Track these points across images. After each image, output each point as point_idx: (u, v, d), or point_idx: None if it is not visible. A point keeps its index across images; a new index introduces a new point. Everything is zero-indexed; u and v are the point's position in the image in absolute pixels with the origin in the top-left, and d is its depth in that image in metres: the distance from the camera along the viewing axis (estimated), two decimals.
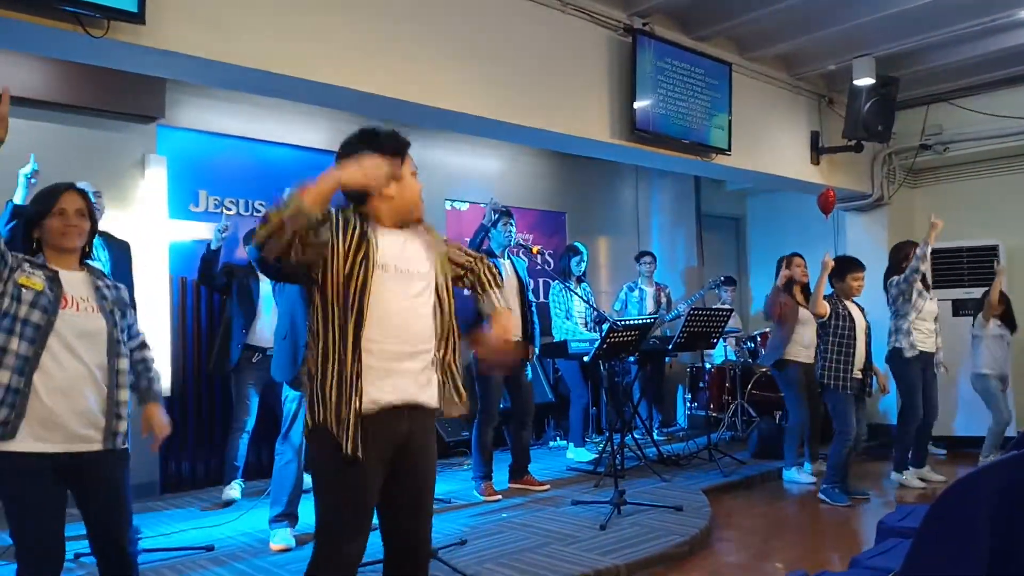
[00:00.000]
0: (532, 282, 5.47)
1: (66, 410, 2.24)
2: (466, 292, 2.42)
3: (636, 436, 5.97)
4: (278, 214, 1.86)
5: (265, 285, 4.75)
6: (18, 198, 3.64)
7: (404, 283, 2.09)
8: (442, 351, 2.17)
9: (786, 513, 4.95)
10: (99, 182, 4.54)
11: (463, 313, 2.48)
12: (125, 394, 2.40)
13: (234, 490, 4.82)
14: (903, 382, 5.40)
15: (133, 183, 5.14)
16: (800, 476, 5.51)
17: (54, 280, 2.32)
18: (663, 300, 7.12)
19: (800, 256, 5.69)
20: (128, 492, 2.44)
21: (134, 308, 2.61)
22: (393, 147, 2.13)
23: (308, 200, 1.87)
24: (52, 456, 2.22)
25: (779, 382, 5.73)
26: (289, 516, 3.84)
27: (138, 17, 3.13)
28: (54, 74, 4.72)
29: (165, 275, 5.16)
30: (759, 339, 7.11)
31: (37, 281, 2.27)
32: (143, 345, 2.59)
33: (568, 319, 6.13)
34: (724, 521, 4.58)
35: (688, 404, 7.33)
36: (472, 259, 2.35)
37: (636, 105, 5.15)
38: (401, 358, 2.06)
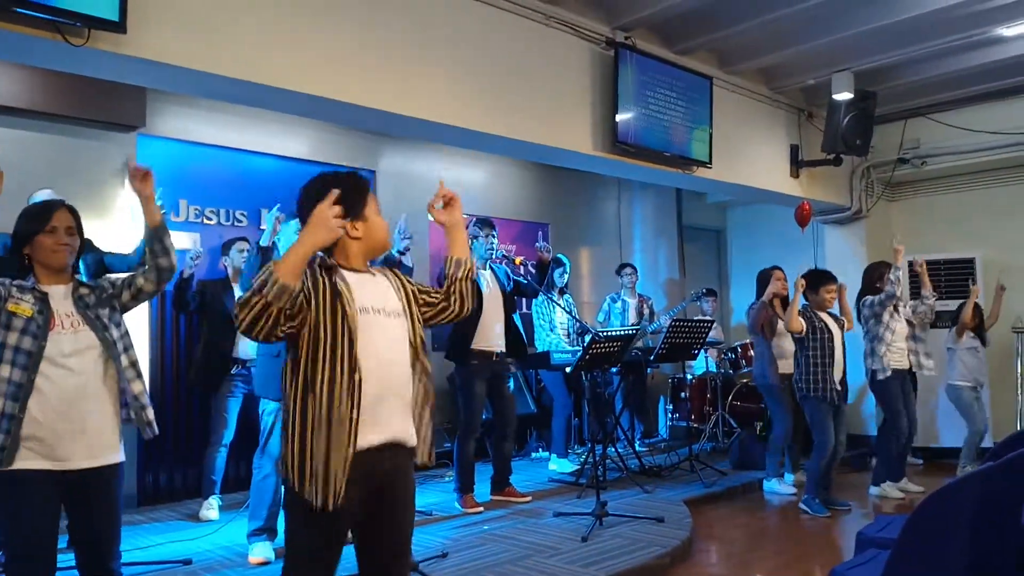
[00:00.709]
0: (523, 302, 5.47)
1: (66, 430, 2.28)
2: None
3: (618, 447, 5.98)
4: (260, 297, 1.85)
5: None
6: None
7: (382, 323, 2.08)
8: (418, 389, 2.15)
9: (767, 524, 4.97)
10: (79, 191, 4.52)
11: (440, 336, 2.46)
12: (139, 385, 2.44)
13: (212, 510, 4.75)
14: (884, 403, 5.46)
15: (113, 192, 5.11)
16: (781, 487, 5.54)
17: (44, 302, 2.34)
18: (645, 311, 7.15)
19: (780, 269, 5.75)
20: (119, 509, 2.44)
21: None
22: (356, 188, 2.13)
23: (286, 275, 1.87)
24: (50, 472, 2.25)
25: (763, 393, 5.77)
26: (268, 531, 3.80)
27: (119, 26, 3.11)
28: (33, 82, 4.67)
29: None
30: (740, 350, 7.15)
31: (26, 307, 2.29)
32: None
33: (552, 331, 6.14)
34: (706, 532, 4.59)
35: (669, 415, 7.35)
36: (440, 295, 2.30)
37: (618, 118, 5.18)
38: (383, 398, 2.04)
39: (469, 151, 6.45)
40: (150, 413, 2.48)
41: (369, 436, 2.00)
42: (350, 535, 2.08)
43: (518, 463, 5.84)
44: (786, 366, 5.44)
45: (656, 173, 5.83)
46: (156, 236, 2.54)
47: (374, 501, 2.04)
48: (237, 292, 4.74)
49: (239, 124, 5.68)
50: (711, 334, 6.33)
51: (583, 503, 4.85)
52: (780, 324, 5.49)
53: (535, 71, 4.84)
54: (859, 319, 5.49)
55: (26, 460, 2.23)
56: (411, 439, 2.12)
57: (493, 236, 5.12)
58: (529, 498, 5.07)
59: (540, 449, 6.89)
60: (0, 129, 4.63)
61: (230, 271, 5.02)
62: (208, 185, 5.69)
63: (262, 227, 5.80)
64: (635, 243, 8.56)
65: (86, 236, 3.92)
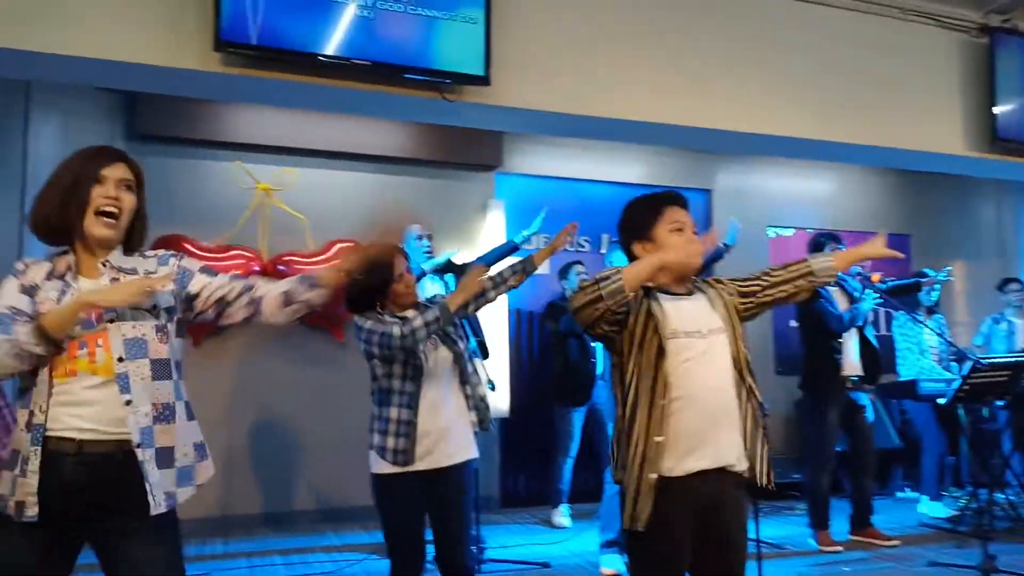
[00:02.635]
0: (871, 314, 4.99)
1: (435, 432, 2.58)
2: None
3: (1008, 493, 5.09)
4: (596, 288, 1.94)
5: None
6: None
7: (697, 346, 2.03)
8: (746, 410, 2.07)
9: None
10: (446, 225, 5.16)
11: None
12: (482, 389, 2.72)
13: (564, 517, 5.06)
14: None
15: (476, 226, 5.74)
16: None
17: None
18: None
19: None
20: (468, 509, 2.69)
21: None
22: (650, 207, 2.15)
23: (629, 280, 1.93)
24: (419, 473, 2.57)
25: None
26: (620, 544, 3.91)
27: (484, 80, 3.52)
28: (408, 135, 5.49)
29: (504, 307, 5.65)
30: None
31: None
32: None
33: (921, 355, 5.46)
34: None
35: None
36: (757, 279, 2.20)
37: (997, 111, 4.50)
38: (703, 422, 2.00)
39: (810, 162, 6.08)
40: (484, 413, 2.71)
41: (689, 462, 1.97)
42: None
43: (881, 502, 5.27)
44: None
45: None
46: (526, 274, 2.76)
47: (702, 526, 2.00)
48: None
49: (579, 156, 6.03)
50: None
51: (964, 554, 4.20)
52: None
53: (890, 70, 4.42)
54: None
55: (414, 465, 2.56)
56: (739, 464, 2.05)
57: (840, 251, 4.73)
58: (896, 542, 4.54)
59: (907, 489, 6.15)
60: (383, 176, 5.52)
61: (568, 293, 5.33)
62: (555, 214, 6.09)
63: (603, 251, 6.12)
64: (1022, 255, 7.29)
65: (450, 257, 4.51)
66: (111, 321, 1.72)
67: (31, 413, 1.68)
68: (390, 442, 2.58)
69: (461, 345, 2.74)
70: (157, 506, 1.70)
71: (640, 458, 1.96)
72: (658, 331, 2.00)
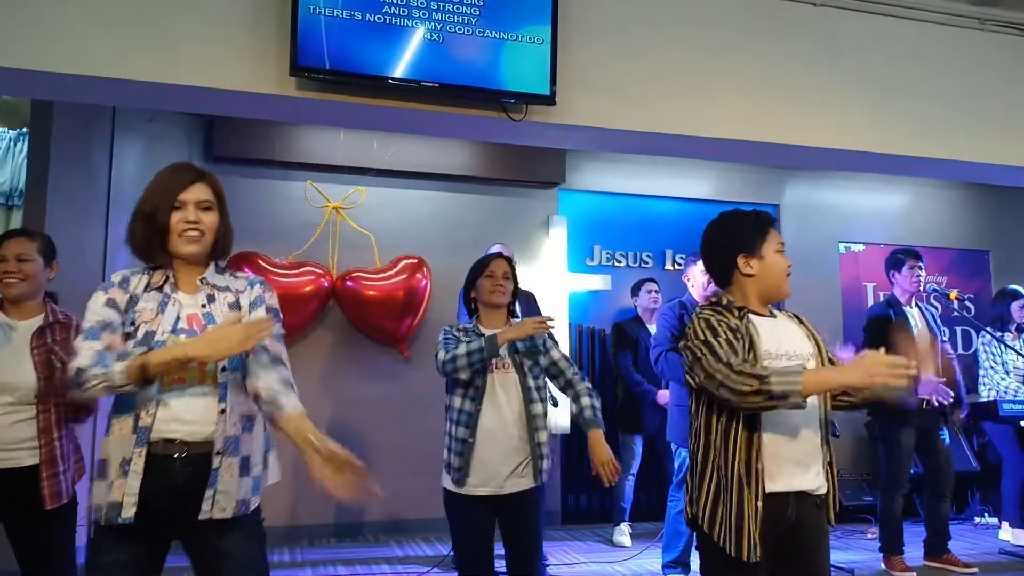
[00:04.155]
0: (947, 331, 4.82)
1: (494, 456, 2.60)
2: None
3: None
4: (760, 384, 1.80)
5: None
6: None
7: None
8: (822, 435, 2.03)
9: None
10: (510, 241, 5.20)
11: None
12: (543, 435, 2.69)
13: (625, 536, 5.01)
14: None
15: (539, 242, 5.78)
16: None
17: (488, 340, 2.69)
18: None
19: None
20: (537, 534, 2.70)
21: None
22: (755, 225, 2.10)
23: (809, 390, 1.82)
24: (484, 497, 2.60)
25: None
26: (683, 564, 3.87)
27: (550, 99, 3.56)
28: (472, 153, 5.59)
29: (565, 322, 5.66)
30: None
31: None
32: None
33: (1007, 375, 5.24)
34: None
35: None
36: None
37: None
38: (785, 446, 1.97)
39: (883, 176, 5.93)
40: (546, 463, 2.67)
41: (772, 485, 1.94)
42: None
43: (957, 527, 5.07)
44: None
45: None
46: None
47: (782, 552, 1.97)
48: (652, 329, 4.95)
49: (644, 172, 6.01)
50: None
51: None
52: None
53: (973, 81, 4.28)
54: None
55: (469, 488, 2.59)
56: (819, 488, 2.02)
57: (920, 268, 4.57)
58: (974, 569, 4.36)
59: (985, 514, 5.90)
60: (448, 193, 5.62)
61: (639, 310, 5.30)
62: (617, 231, 6.11)
63: (667, 267, 6.07)
64: None
65: (525, 289, 4.53)
66: None
67: (137, 416, 1.74)
68: (451, 459, 2.63)
69: (531, 381, 2.70)
70: (220, 511, 1.75)
71: (737, 487, 1.92)
72: (754, 351, 1.97)
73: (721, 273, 2.14)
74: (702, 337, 1.96)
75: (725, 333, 1.94)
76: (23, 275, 2.52)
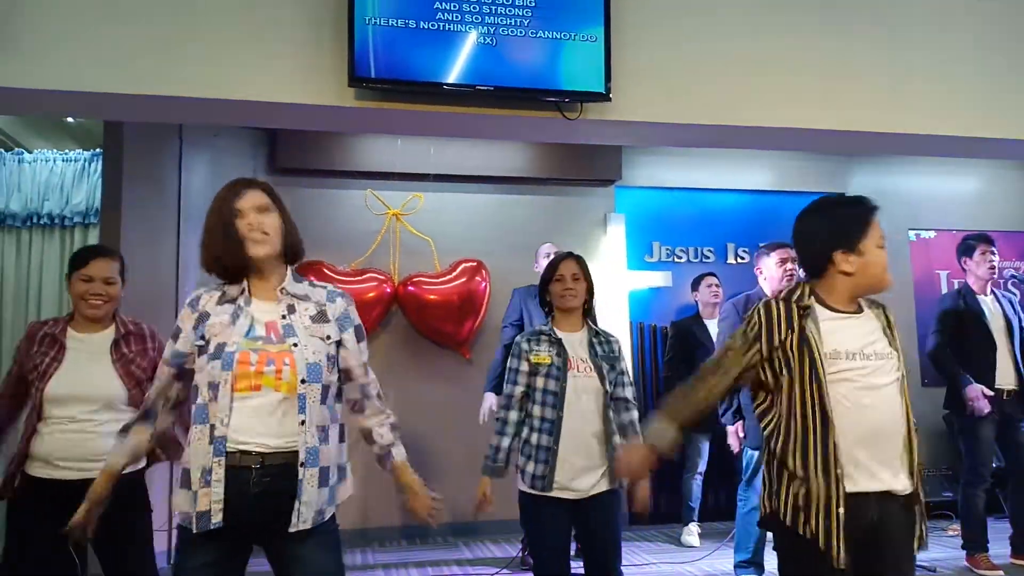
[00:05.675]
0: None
1: (577, 460, 2.59)
2: None
3: None
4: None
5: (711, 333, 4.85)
6: None
7: (857, 369, 1.92)
8: (905, 433, 1.97)
9: None
10: (568, 241, 5.17)
11: None
12: (618, 438, 2.67)
13: (693, 536, 4.95)
14: None
15: (596, 240, 5.75)
16: None
17: (560, 345, 2.70)
18: None
19: None
20: (615, 536, 2.69)
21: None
22: (854, 216, 1.98)
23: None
24: (560, 500, 2.60)
25: None
26: (755, 564, 3.80)
27: (605, 96, 3.54)
28: (528, 153, 5.59)
29: (625, 321, 5.62)
30: None
31: (544, 356, 2.68)
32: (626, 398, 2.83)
33: None
34: None
35: None
36: None
37: None
38: (862, 446, 1.91)
39: (956, 160, 5.71)
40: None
41: (850, 485, 1.88)
42: None
43: None
44: None
45: None
46: None
47: (863, 552, 1.91)
48: (711, 328, 4.89)
49: (702, 165, 5.91)
50: None
51: None
52: None
53: None
54: None
55: (550, 491, 2.59)
56: (903, 487, 1.96)
57: (993, 253, 4.39)
58: None
59: None
60: (505, 195, 5.64)
61: (699, 305, 5.23)
62: (677, 226, 6.03)
63: (729, 261, 5.97)
64: None
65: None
66: (295, 345, 1.85)
67: (212, 427, 1.79)
68: (530, 467, 2.63)
69: (609, 379, 2.70)
70: (303, 523, 1.79)
71: (824, 488, 1.86)
72: (813, 353, 1.89)
73: (814, 266, 2.01)
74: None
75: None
76: (108, 297, 2.56)
